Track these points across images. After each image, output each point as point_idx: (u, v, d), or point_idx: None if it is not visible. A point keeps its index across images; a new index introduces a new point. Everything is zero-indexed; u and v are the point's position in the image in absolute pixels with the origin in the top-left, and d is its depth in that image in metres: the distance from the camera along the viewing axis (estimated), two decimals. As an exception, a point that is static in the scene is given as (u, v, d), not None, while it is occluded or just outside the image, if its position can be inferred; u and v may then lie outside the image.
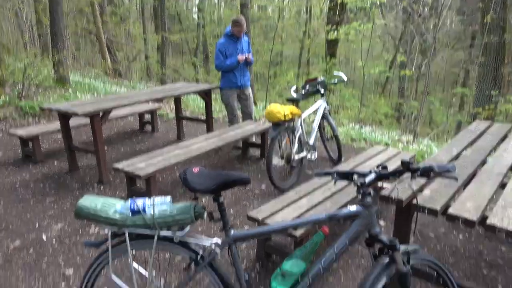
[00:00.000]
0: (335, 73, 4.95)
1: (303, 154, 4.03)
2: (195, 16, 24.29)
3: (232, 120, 5.04)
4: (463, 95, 14.01)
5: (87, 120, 4.80)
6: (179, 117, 5.54)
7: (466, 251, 2.85)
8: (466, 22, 17.74)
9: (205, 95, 5.08)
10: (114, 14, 15.45)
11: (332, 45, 14.68)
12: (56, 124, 4.78)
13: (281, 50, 19.54)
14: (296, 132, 3.93)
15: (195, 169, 1.52)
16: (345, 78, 4.57)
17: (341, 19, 14.31)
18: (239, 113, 5.10)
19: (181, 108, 5.60)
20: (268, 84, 10.39)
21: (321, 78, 4.56)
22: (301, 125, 4.00)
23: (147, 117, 6.19)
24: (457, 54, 18.55)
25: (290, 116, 3.75)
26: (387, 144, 5.92)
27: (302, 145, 4.03)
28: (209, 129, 5.27)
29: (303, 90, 4.45)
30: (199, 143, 4.04)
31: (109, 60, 12.73)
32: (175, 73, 13.29)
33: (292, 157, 3.85)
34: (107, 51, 12.85)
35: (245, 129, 4.62)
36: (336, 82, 4.64)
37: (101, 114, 3.85)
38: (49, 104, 6.42)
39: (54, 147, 5.18)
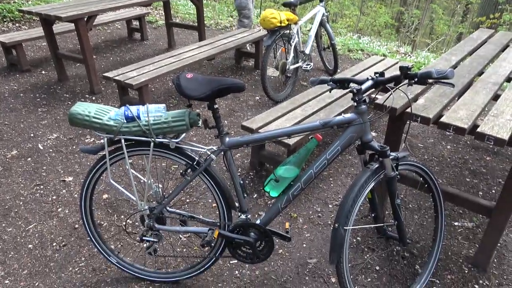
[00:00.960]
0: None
1: (299, 64, 3.93)
2: None
3: (248, 24, 4.83)
4: (468, 2, 13.29)
5: (71, 26, 4.55)
6: (170, 24, 5.25)
7: (452, 160, 2.97)
8: None
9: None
10: None
11: None
12: (39, 30, 4.52)
13: None
14: (292, 40, 3.77)
15: (189, 75, 1.47)
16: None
17: None
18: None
19: (171, 14, 5.27)
20: None
21: (320, -19, 4.25)
22: (297, 33, 3.83)
23: (136, 23, 5.86)
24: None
25: (286, 23, 3.57)
26: (384, 55, 5.76)
27: (297, 55, 3.91)
28: (201, 37, 5.03)
29: (299, -7, 4.16)
30: (191, 51, 3.90)
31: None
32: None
33: (287, 67, 3.76)
34: None
35: (239, 37, 4.42)
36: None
37: (85, 18, 3.62)
38: (28, 6, 6.00)
39: (40, 55, 4.98)
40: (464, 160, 2.96)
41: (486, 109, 2.60)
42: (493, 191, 2.60)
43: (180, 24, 5.35)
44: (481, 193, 2.57)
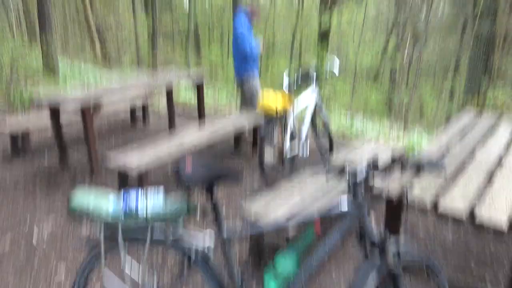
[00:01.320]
0: (329, 56, 4.91)
1: (295, 150, 4.03)
2: (187, 2, 24.00)
3: (253, 108, 4.97)
4: (454, 83, 14.13)
5: (78, 112, 4.76)
6: (171, 110, 5.50)
7: (456, 248, 2.91)
8: (457, 10, 17.76)
9: (197, 85, 5.04)
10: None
11: (324, 33, 14.65)
12: (46, 116, 4.71)
13: (273, 39, 19.43)
14: (288, 126, 3.93)
15: (188, 160, 1.51)
16: (337, 72, 4.53)
17: (332, 6, 14.25)
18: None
19: (173, 98, 5.55)
20: (260, 73, 10.32)
21: (313, 67, 4.55)
22: (293, 118, 4.00)
23: (139, 108, 6.14)
24: (449, 42, 18.62)
25: (282, 110, 3.75)
26: (378, 136, 5.96)
27: (294, 140, 4.04)
28: (202, 122, 5.24)
29: (295, 75, 4.41)
30: (191, 136, 4.03)
31: (98, 46, 12.54)
32: (165, 60, 13.18)
33: (285, 154, 3.85)
34: (96, 37, 12.65)
35: (238, 122, 4.61)
36: (328, 71, 4.60)
37: (92, 107, 3.81)
38: (39, 96, 6.33)
39: (45, 139, 5.13)
40: (468, 248, 2.90)
41: (482, 194, 2.62)
42: (500, 278, 2.51)
43: (181, 109, 5.62)
44: (489, 285, 2.48)
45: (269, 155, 4.18)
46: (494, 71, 11.36)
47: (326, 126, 4.44)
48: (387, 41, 16.40)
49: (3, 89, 6.38)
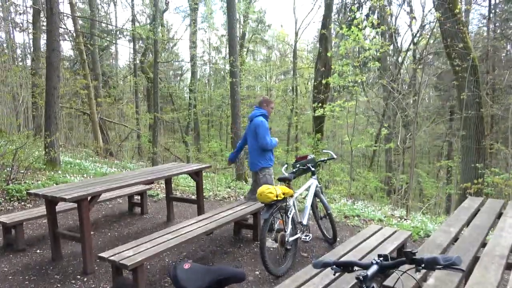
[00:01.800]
0: (324, 151, 5.06)
1: (297, 235, 3.91)
2: (187, 95, 25.41)
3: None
4: (449, 167, 14.28)
5: (74, 204, 4.69)
6: (170, 198, 5.44)
7: None
8: (443, 98, 18.77)
9: (196, 175, 5.05)
10: (108, 95, 16.01)
11: (318, 121, 15.28)
12: (42, 209, 4.63)
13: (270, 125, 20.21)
14: (289, 212, 3.86)
15: (186, 265, 1.44)
16: (335, 156, 4.63)
17: (326, 97, 15.09)
18: None
19: (172, 188, 5.53)
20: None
21: (311, 156, 4.63)
22: (293, 204, 3.95)
23: (137, 198, 6.08)
24: (439, 127, 19.31)
25: (283, 196, 3.71)
26: (381, 220, 5.83)
27: (295, 226, 3.93)
28: (200, 210, 5.15)
29: (294, 169, 4.48)
30: (190, 226, 3.91)
31: (101, 140, 12.89)
32: (166, 152, 13.45)
33: (286, 239, 3.73)
34: (99, 131, 13.07)
35: (237, 209, 4.53)
36: (326, 160, 4.70)
37: (89, 198, 3.76)
38: (36, 189, 6.30)
39: (38, 232, 4.96)
40: None
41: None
42: None
43: (180, 198, 5.56)
44: None
45: (271, 241, 4.04)
46: (487, 155, 11.58)
47: (326, 208, 4.36)
48: (380, 127, 16.95)
49: (2, 183, 6.37)
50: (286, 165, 4.65)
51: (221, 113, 23.64)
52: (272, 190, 3.63)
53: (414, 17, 20.42)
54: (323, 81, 13.47)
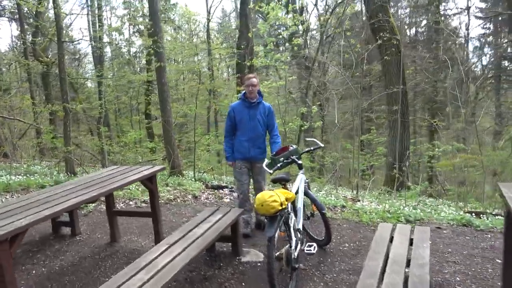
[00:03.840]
0: (308, 139, 4.39)
1: (299, 247, 3.17)
2: (91, 83, 22.57)
3: (239, 197, 4.31)
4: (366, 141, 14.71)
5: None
6: (113, 212, 4.25)
7: None
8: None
9: (149, 181, 3.97)
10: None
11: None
12: None
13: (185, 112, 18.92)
14: (290, 220, 3.10)
15: None
16: (321, 144, 3.97)
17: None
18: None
19: (114, 197, 4.33)
20: (195, 152, 9.43)
21: (292, 147, 3.91)
22: (292, 210, 3.20)
23: (64, 214, 4.73)
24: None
25: (286, 203, 2.93)
26: (344, 207, 5.42)
27: (296, 235, 3.19)
28: (157, 225, 4.08)
29: (278, 164, 3.71)
30: (164, 256, 2.89)
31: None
32: (76, 149, 11.46)
33: (293, 256, 2.97)
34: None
35: (212, 220, 3.60)
36: (312, 150, 4.00)
37: (9, 239, 2.52)
38: None
39: None
40: None
41: None
42: None
43: (128, 212, 4.41)
44: None
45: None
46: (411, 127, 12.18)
47: (320, 208, 3.71)
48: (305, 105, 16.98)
49: None
50: (267, 160, 3.85)
51: (130, 100, 21.55)
52: (276, 197, 2.82)
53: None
54: (247, 62, 12.77)
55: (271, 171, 3.63)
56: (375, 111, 16.78)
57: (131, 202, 5.93)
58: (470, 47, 23.10)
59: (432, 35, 21.95)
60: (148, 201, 5.93)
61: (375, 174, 12.72)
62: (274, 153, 3.91)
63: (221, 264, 3.63)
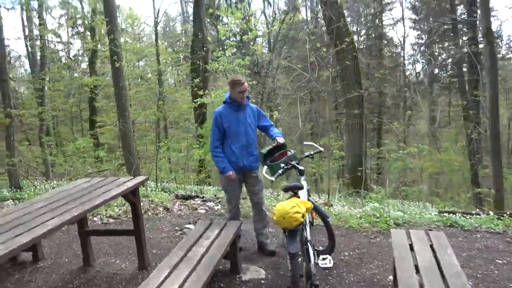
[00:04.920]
0: (306, 143, 4.17)
1: (314, 260, 2.92)
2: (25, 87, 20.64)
3: (231, 212, 3.86)
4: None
5: None
6: (86, 232, 3.68)
7: None
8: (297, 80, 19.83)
9: (132, 195, 3.48)
10: None
11: (199, 110, 14.09)
12: None
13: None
14: (305, 232, 2.84)
15: None
16: (321, 148, 3.75)
17: (206, 83, 14.08)
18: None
19: (86, 215, 3.75)
20: (157, 159, 8.79)
21: (291, 151, 3.66)
22: (306, 221, 2.94)
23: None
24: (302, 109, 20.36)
25: (306, 214, 2.67)
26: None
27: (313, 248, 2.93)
28: (141, 244, 3.58)
29: (279, 170, 3.43)
30: (173, 282, 2.48)
31: None
32: (21, 160, 10.20)
33: (312, 271, 2.70)
34: None
35: (213, 238, 3.22)
36: (312, 154, 3.76)
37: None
38: None
39: None
40: None
41: None
42: None
43: (105, 231, 3.85)
44: None
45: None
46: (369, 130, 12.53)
47: (324, 215, 3.49)
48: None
49: None
50: (266, 167, 3.53)
51: (71, 107, 20.04)
52: (297, 207, 2.54)
53: (269, 3, 21.01)
54: (206, 66, 12.39)
55: (273, 178, 3.34)
56: (329, 115, 17.15)
57: (95, 218, 5.30)
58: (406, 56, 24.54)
59: (372, 44, 23.11)
60: (116, 216, 5.45)
61: (332, 178, 12.88)
62: (272, 159, 3.63)
63: (222, 285, 3.26)
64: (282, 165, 3.46)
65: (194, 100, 10.32)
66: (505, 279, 3.25)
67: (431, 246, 2.89)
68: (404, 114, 20.81)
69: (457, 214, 5.41)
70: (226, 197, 3.93)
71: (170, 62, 22.74)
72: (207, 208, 6.01)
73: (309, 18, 21.92)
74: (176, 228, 4.87)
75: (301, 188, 3.03)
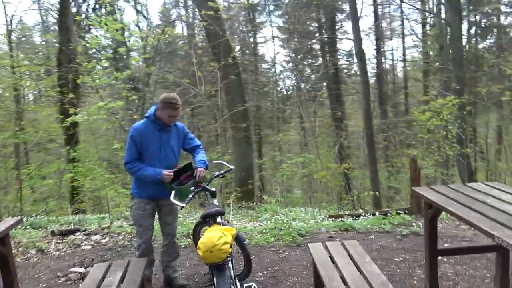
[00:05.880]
0: (215, 161, 3.85)
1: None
2: None
3: (140, 248, 3.28)
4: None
5: None
6: None
7: None
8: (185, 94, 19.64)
9: (0, 244, 2.69)
10: None
11: (72, 128, 12.55)
12: None
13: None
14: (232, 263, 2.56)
15: None
16: (231, 167, 3.51)
17: (77, 99, 12.73)
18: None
19: None
20: (21, 190, 7.27)
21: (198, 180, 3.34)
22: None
23: None
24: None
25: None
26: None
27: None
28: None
29: (190, 195, 3.08)
30: None
31: None
32: None
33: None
34: None
35: (117, 284, 2.68)
36: (223, 174, 3.48)
37: None
38: None
39: None
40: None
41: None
42: None
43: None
44: None
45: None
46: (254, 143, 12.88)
47: (242, 241, 3.27)
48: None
49: None
50: (174, 191, 3.09)
51: None
52: (224, 237, 2.26)
53: (144, 16, 20.29)
54: (76, 80, 11.23)
55: (183, 204, 2.96)
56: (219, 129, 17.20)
57: None
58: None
59: (247, 60, 24.23)
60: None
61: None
62: (177, 182, 3.25)
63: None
64: (192, 188, 3.12)
65: (66, 119, 9.06)
66: (408, 276, 3.51)
67: (350, 256, 2.92)
68: (278, 126, 22.31)
69: (345, 218, 5.80)
70: (137, 231, 3.38)
71: (29, 76, 19.83)
72: (92, 243, 5.20)
73: (185, 33, 21.81)
74: (59, 274, 4.03)
75: (223, 213, 2.74)
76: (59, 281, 3.88)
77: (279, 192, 9.02)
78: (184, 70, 18.74)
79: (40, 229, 6.20)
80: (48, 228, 6.20)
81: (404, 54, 20.87)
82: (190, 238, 4.93)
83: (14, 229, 6.07)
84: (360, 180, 12.54)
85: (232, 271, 2.48)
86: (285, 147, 21.44)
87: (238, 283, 2.48)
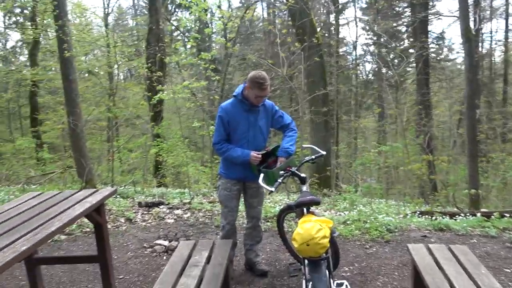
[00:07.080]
0: (305, 146, 3.65)
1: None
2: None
3: (225, 229, 3.26)
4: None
5: None
6: (35, 260, 2.92)
7: None
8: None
9: (97, 213, 2.78)
10: None
11: (158, 105, 13.19)
12: None
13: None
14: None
15: None
16: (323, 152, 3.24)
17: (163, 78, 13.27)
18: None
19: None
20: (113, 162, 7.87)
21: (290, 162, 3.14)
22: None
23: None
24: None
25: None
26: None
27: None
28: (107, 273, 2.89)
29: (280, 178, 2.90)
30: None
31: None
32: None
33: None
34: None
35: (203, 263, 2.62)
36: (314, 159, 3.24)
37: None
38: None
39: None
40: None
41: None
42: None
43: (59, 258, 3.09)
44: None
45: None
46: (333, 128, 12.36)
47: (332, 234, 3.00)
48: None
49: None
50: (262, 176, 2.96)
51: (9, 103, 18.10)
52: (323, 230, 2.03)
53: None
54: (164, 59, 11.63)
55: (273, 189, 2.79)
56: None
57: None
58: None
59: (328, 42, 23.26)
60: (68, 231, 4.64)
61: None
62: (265, 165, 3.09)
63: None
64: (281, 172, 2.94)
65: (153, 97, 9.47)
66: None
67: (461, 264, 2.52)
68: (357, 112, 21.29)
69: (435, 215, 5.21)
70: (222, 212, 3.33)
71: (123, 56, 21.32)
72: (175, 217, 5.35)
73: (265, 15, 21.57)
74: (145, 244, 4.17)
75: (319, 202, 2.51)
76: (145, 252, 4.01)
77: (359, 180, 8.53)
78: (261, 52, 18.62)
79: (128, 198, 6.59)
80: (135, 198, 6.57)
81: (506, 38, 18.33)
82: (269, 222, 4.82)
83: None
84: (449, 175, 11.43)
85: (330, 267, 2.26)
86: (361, 134, 20.40)
87: (332, 281, 2.26)
